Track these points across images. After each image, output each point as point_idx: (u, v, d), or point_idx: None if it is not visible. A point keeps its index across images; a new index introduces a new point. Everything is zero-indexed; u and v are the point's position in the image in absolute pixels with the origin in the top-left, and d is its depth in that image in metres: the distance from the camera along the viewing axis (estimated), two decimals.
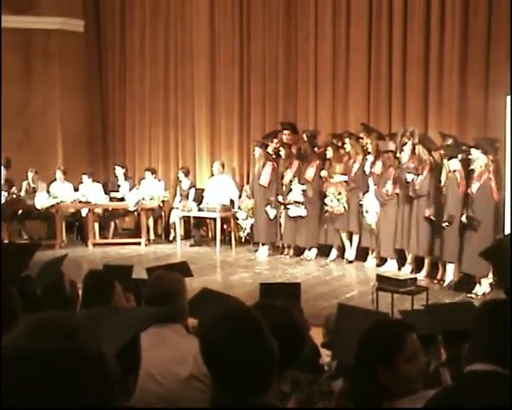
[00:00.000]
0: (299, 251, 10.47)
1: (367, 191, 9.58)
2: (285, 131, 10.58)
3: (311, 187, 10.08)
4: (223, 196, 11.26)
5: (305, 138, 10.26)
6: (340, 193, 9.78)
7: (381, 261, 9.61)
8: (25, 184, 11.75)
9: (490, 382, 1.90)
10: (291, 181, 10.24)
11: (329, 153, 10.03)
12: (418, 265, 9.16)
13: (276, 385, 2.17)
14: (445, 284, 8.55)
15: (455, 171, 8.43)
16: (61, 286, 3.97)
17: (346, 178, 9.84)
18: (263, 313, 2.01)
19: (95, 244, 11.59)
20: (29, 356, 1.06)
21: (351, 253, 9.98)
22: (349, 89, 10.63)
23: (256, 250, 10.83)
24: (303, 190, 10.11)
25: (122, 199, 11.83)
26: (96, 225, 11.92)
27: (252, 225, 10.91)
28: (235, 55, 11.79)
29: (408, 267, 9.21)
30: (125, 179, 12.15)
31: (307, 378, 2.46)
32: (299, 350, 2.51)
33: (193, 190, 11.77)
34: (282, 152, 10.48)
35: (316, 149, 10.31)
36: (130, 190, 11.86)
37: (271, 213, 10.56)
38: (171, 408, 2.70)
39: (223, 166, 11.57)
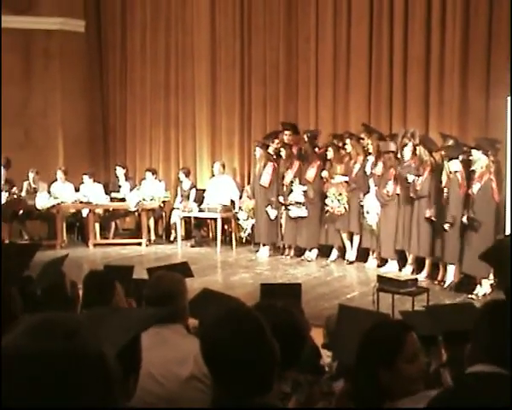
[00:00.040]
0: (299, 252, 10.47)
1: (368, 192, 9.58)
2: (286, 132, 10.58)
3: (311, 188, 10.08)
4: (223, 197, 11.26)
5: (306, 139, 10.27)
6: (340, 194, 9.78)
7: (382, 262, 9.60)
8: (25, 184, 11.75)
9: (491, 383, 1.90)
10: (292, 182, 10.24)
11: (330, 153, 10.03)
12: (419, 266, 9.16)
13: (277, 386, 2.17)
14: (446, 284, 8.54)
15: (456, 172, 8.43)
16: (62, 287, 3.97)
17: (346, 178, 9.84)
18: (264, 313, 2.01)
19: (95, 245, 11.59)
20: (29, 356, 1.06)
21: (351, 253, 9.98)
22: (350, 90, 10.63)
23: (257, 251, 10.83)
24: (304, 191, 10.11)
25: (123, 199, 11.83)
26: (97, 226, 11.92)
27: (252, 225, 10.91)
28: (235, 56, 11.79)
29: (408, 268, 9.21)
30: (126, 180, 12.15)
31: (308, 379, 2.46)
32: (299, 351, 2.51)
33: (194, 191, 11.77)
34: (283, 152, 10.48)
35: (316, 149, 10.31)
36: (130, 190, 11.86)
37: (272, 213, 10.57)
38: (172, 408, 2.70)
39: (223, 166, 11.57)
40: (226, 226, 11.57)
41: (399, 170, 9.16)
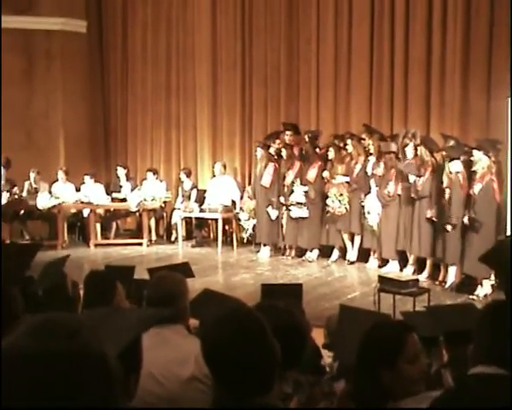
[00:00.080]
0: (300, 252, 10.47)
1: (369, 192, 9.59)
2: (287, 132, 10.58)
3: (312, 188, 10.08)
4: (224, 197, 11.26)
5: (307, 139, 10.27)
6: (341, 194, 9.78)
7: (383, 262, 9.60)
8: (27, 184, 11.76)
9: (493, 384, 1.90)
10: (293, 182, 10.24)
11: (331, 154, 10.02)
12: (420, 266, 9.15)
13: (278, 386, 2.17)
14: (447, 285, 8.54)
15: (457, 172, 8.43)
16: (64, 287, 3.97)
17: (347, 179, 9.84)
18: (264, 314, 2.00)
19: (96, 245, 11.60)
20: (31, 356, 1.07)
21: (352, 254, 9.98)
22: (351, 91, 10.62)
23: (258, 251, 10.83)
24: (305, 191, 10.11)
25: (124, 200, 11.84)
26: (98, 226, 11.93)
27: (254, 225, 10.91)
28: (236, 57, 11.80)
29: (410, 269, 9.20)
30: (127, 180, 12.16)
31: (309, 380, 2.46)
32: (301, 352, 2.51)
33: (195, 191, 11.78)
34: (284, 153, 10.48)
35: (317, 149, 10.31)
36: (131, 190, 11.86)
37: (273, 213, 10.57)
38: (173, 409, 2.70)
39: (224, 166, 11.58)
40: (227, 227, 11.58)
41: (401, 167, 9.15)
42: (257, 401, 1.83)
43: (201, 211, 11.34)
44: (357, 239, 9.92)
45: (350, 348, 2.57)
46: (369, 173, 9.65)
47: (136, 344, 1.71)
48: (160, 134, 12.86)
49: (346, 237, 10.01)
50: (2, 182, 11.52)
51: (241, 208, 11.13)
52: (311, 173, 10.15)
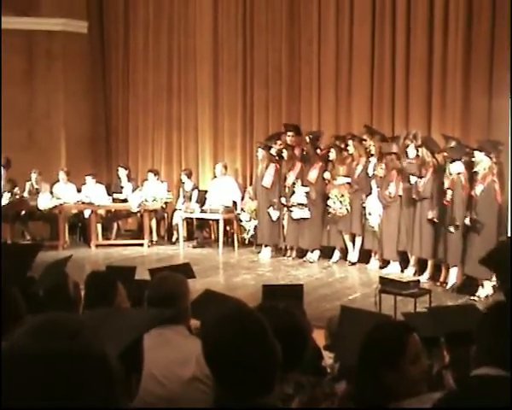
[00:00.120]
0: (301, 253, 10.46)
1: (370, 193, 9.58)
2: (289, 133, 10.57)
3: (314, 189, 10.08)
4: (225, 198, 11.26)
5: (308, 140, 10.27)
6: (342, 195, 9.77)
7: (384, 263, 9.60)
8: (28, 185, 11.77)
9: (494, 386, 1.89)
10: (294, 183, 10.24)
11: (332, 155, 10.02)
12: (421, 267, 9.15)
13: (279, 387, 2.17)
14: (448, 286, 8.53)
15: (459, 173, 8.42)
16: (65, 287, 3.97)
17: (349, 179, 9.84)
18: (266, 314, 2.01)
19: (97, 245, 11.60)
20: (32, 356, 1.07)
21: (353, 255, 9.98)
22: (352, 92, 10.62)
23: (259, 252, 10.83)
24: (306, 192, 10.10)
25: (125, 200, 11.84)
26: (99, 227, 11.93)
27: (255, 226, 10.91)
28: (238, 58, 11.80)
29: (411, 270, 9.20)
30: (128, 181, 12.16)
31: (310, 381, 2.46)
32: (302, 352, 2.51)
33: (196, 192, 11.78)
34: (285, 154, 10.48)
35: (318, 150, 10.30)
36: (133, 191, 11.87)
37: (274, 214, 10.56)
38: (174, 409, 2.70)
39: (225, 167, 11.58)
40: (228, 227, 11.58)
41: (404, 165, 9.13)
42: (258, 401, 1.83)
43: (202, 212, 11.34)
44: (359, 240, 9.92)
45: (351, 349, 2.57)
46: (371, 174, 9.65)
47: (138, 345, 1.72)
48: (162, 135, 12.86)
49: (347, 238, 10.01)
50: (3, 182, 11.53)
51: (242, 209, 11.13)
52: (312, 174, 10.15)
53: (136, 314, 1.98)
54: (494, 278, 7.86)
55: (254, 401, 1.82)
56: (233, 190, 11.39)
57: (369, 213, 9.54)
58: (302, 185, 10.15)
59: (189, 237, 11.91)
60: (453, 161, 8.47)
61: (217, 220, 11.31)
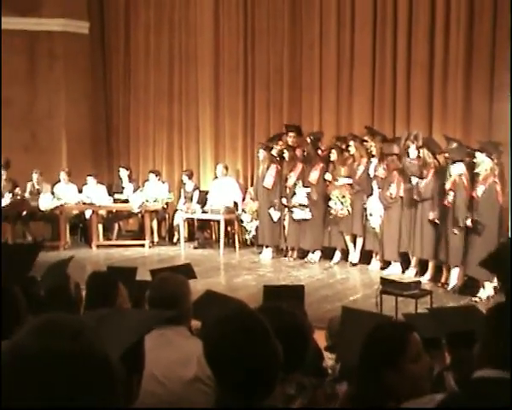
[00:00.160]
0: (302, 254, 10.46)
1: (371, 194, 9.58)
2: (290, 134, 10.57)
3: (315, 190, 10.08)
4: (226, 199, 11.26)
5: (309, 141, 10.27)
6: (344, 196, 9.77)
7: (385, 264, 9.59)
8: (29, 185, 11.78)
9: (497, 388, 1.89)
10: (295, 184, 10.24)
11: (333, 156, 10.02)
12: (422, 268, 9.15)
13: (281, 388, 2.17)
14: (450, 287, 8.53)
15: (460, 175, 8.42)
16: (66, 288, 3.97)
17: (350, 180, 9.84)
18: (267, 315, 2.00)
19: (98, 246, 11.60)
20: (34, 356, 1.07)
21: (354, 256, 9.97)
22: (353, 94, 10.62)
23: (260, 253, 10.83)
24: (307, 193, 10.10)
25: (126, 201, 11.84)
26: (100, 227, 11.94)
27: (257, 227, 10.91)
28: (239, 59, 11.80)
29: (412, 271, 9.20)
30: (129, 181, 12.17)
31: (312, 382, 2.46)
32: (303, 354, 2.50)
33: (197, 193, 11.78)
34: (286, 154, 10.48)
35: (319, 151, 10.30)
36: (134, 191, 11.87)
37: (274, 215, 10.56)
38: (175, 409, 2.70)
39: (226, 168, 11.59)
40: (229, 228, 11.58)
41: (405, 164, 9.12)
42: (259, 402, 1.83)
43: (203, 212, 11.34)
44: (360, 241, 9.92)
45: (352, 349, 2.57)
46: (372, 175, 9.65)
47: (139, 345, 1.72)
48: (163, 136, 12.86)
49: (348, 238, 10.01)
50: (3, 183, 11.52)
51: (243, 210, 11.13)
52: (313, 175, 10.15)
53: (138, 315, 1.98)
54: (495, 280, 7.86)
55: (255, 402, 1.82)
56: (234, 190, 11.40)
57: (371, 214, 9.54)
58: (303, 186, 10.15)
59: (190, 238, 11.91)
60: (454, 162, 8.47)
61: (218, 221, 11.32)
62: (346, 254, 10.11)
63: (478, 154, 8.26)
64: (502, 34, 9.08)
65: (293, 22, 11.19)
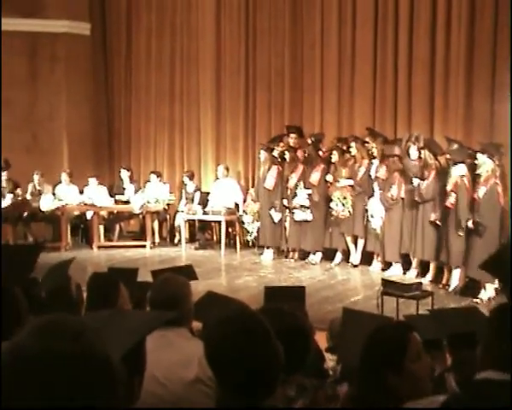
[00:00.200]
0: (303, 255, 10.46)
1: (372, 196, 9.58)
2: (291, 135, 10.57)
3: (316, 191, 10.08)
4: (227, 200, 11.26)
5: (310, 142, 10.27)
6: (345, 197, 9.77)
7: (386, 266, 9.59)
8: (30, 186, 11.78)
9: (499, 390, 1.89)
10: (296, 185, 10.24)
11: (335, 157, 10.02)
12: (423, 269, 9.15)
13: (282, 390, 2.17)
14: (451, 288, 8.52)
15: (462, 176, 8.41)
16: (67, 289, 3.97)
17: (351, 182, 9.84)
18: (268, 316, 2.00)
19: (100, 247, 11.61)
20: (34, 357, 1.07)
21: (356, 257, 9.97)
22: (355, 93, 10.62)
23: (261, 254, 10.82)
24: (308, 194, 10.10)
25: (127, 202, 11.84)
26: (101, 228, 11.94)
27: (258, 228, 10.91)
28: (240, 61, 11.80)
29: (413, 272, 9.20)
30: (131, 182, 12.17)
31: (313, 383, 2.45)
32: (304, 355, 2.50)
33: (198, 194, 11.79)
34: (287, 156, 10.48)
35: (321, 153, 10.30)
36: (135, 192, 11.88)
37: (275, 216, 10.56)
38: (176, 409, 2.70)
39: (227, 169, 11.59)
40: (230, 229, 11.58)
41: (407, 165, 9.12)
42: (260, 403, 1.83)
43: (205, 213, 11.35)
44: (361, 242, 9.92)
45: (353, 351, 2.56)
46: (373, 176, 9.65)
47: (140, 346, 1.72)
48: (164, 137, 12.87)
49: (349, 240, 10.01)
50: (3, 184, 11.52)
51: (244, 211, 11.13)
52: (315, 176, 10.15)
53: (139, 316, 1.98)
54: (497, 281, 7.85)
55: (256, 403, 1.82)
56: (235, 191, 11.40)
57: (372, 216, 9.53)
58: (304, 187, 10.15)
59: (191, 239, 11.92)
60: (456, 163, 8.46)
61: (219, 222, 11.32)
62: (347, 256, 10.11)
63: (479, 155, 8.25)
64: (503, 33, 9.08)
65: (293, 22, 11.20)
